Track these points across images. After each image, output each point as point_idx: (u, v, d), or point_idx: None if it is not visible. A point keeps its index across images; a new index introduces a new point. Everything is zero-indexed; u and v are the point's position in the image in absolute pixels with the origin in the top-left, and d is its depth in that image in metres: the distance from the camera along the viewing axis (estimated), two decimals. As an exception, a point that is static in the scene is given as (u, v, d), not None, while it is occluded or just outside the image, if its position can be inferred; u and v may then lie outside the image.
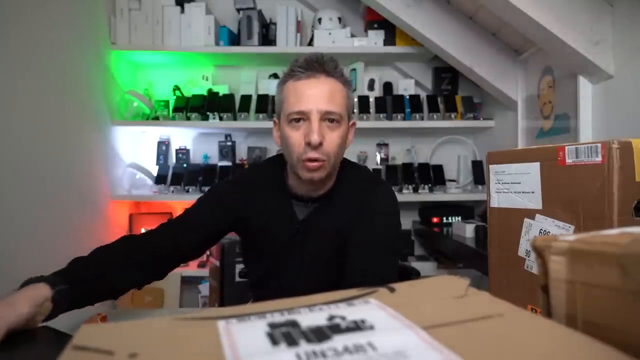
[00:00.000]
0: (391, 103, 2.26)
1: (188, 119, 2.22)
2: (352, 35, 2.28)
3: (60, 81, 1.77)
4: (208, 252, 2.23)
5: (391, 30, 2.23)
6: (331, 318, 0.28)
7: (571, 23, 1.37)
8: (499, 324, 0.27)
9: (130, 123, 2.24)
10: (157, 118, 2.29)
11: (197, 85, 2.42)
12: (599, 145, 0.57)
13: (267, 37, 2.30)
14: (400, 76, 2.49)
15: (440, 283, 0.35)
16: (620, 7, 1.34)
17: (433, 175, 2.28)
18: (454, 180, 2.37)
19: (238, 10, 2.28)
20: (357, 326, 0.27)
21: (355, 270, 0.91)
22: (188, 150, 2.42)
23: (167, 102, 2.32)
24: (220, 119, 2.19)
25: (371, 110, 2.24)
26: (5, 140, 1.46)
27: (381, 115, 2.22)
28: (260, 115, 2.22)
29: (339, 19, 2.27)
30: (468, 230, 1.80)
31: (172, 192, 2.20)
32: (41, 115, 1.64)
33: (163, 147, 2.44)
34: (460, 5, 1.91)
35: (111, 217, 2.14)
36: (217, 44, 2.25)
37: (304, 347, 0.24)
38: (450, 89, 2.39)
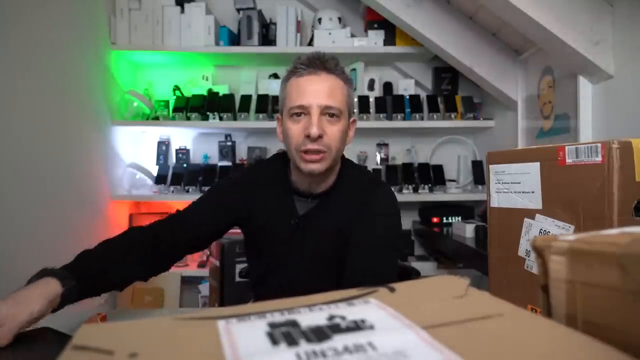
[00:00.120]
0: (391, 103, 2.26)
1: (188, 119, 2.22)
2: (352, 35, 2.28)
3: (60, 81, 1.77)
4: (208, 252, 2.23)
5: (391, 30, 2.23)
6: (331, 318, 0.28)
7: (571, 23, 1.37)
8: (499, 323, 0.27)
9: (130, 123, 2.24)
10: (157, 118, 2.29)
11: (197, 85, 2.42)
12: (599, 145, 0.57)
13: (267, 37, 2.30)
14: (400, 76, 2.49)
15: (440, 283, 0.35)
16: (620, 7, 1.34)
17: (433, 175, 2.28)
18: (454, 180, 2.37)
19: (238, 10, 2.28)
20: (357, 326, 0.27)
21: (355, 270, 0.93)
22: (188, 150, 2.42)
23: (167, 102, 2.32)
24: (220, 119, 2.19)
25: (371, 110, 2.24)
26: (5, 140, 1.46)
27: (381, 115, 2.22)
28: (260, 115, 2.22)
29: (339, 19, 2.27)
30: (468, 230, 1.80)
31: (172, 192, 2.20)
32: (41, 115, 1.64)
33: (163, 147, 2.44)
34: (460, 5, 1.91)
35: (111, 217, 2.14)
36: (217, 44, 2.24)
37: (304, 346, 0.24)
38: (450, 89, 2.39)
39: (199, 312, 0.31)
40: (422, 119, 2.26)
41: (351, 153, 2.32)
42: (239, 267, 1.76)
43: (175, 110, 2.24)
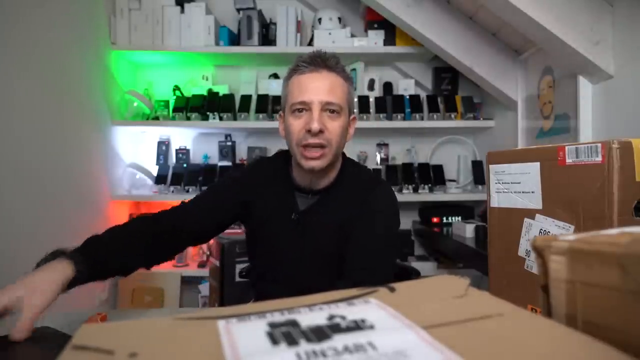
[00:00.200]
0: (391, 103, 2.26)
1: (188, 119, 2.22)
2: (352, 35, 2.29)
3: (60, 81, 1.77)
4: (208, 252, 2.23)
5: (391, 30, 2.23)
6: (331, 317, 0.28)
7: (571, 23, 1.37)
8: (499, 323, 0.27)
9: (130, 123, 2.24)
10: (157, 118, 2.29)
11: (197, 85, 2.42)
12: (599, 145, 0.57)
13: (267, 37, 2.30)
14: (400, 76, 2.49)
15: (440, 283, 0.35)
16: (620, 7, 1.34)
17: (433, 175, 2.28)
18: (454, 180, 2.37)
19: (238, 10, 2.28)
20: (357, 326, 0.27)
21: (354, 267, 0.94)
22: (188, 150, 2.42)
23: (167, 102, 2.32)
24: (220, 119, 2.19)
25: (371, 110, 2.24)
26: (5, 140, 1.46)
27: (381, 115, 2.22)
28: (260, 115, 2.22)
29: (339, 19, 2.27)
30: (468, 230, 1.80)
31: (172, 192, 2.20)
32: (41, 115, 1.64)
33: (163, 147, 2.44)
34: (460, 5, 1.91)
35: (111, 217, 2.14)
36: (217, 44, 2.25)
37: (304, 346, 0.24)
38: (450, 89, 2.39)
39: (199, 312, 0.31)
40: (422, 119, 2.26)
41: (351, 153, 2.32)
42: (239, 267, 1.76)
43: (175, 110, 2.24)
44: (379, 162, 2.44)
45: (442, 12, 1.93)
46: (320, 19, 2.26)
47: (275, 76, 2.43)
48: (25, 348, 0.66)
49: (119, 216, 2.23)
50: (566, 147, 0.61)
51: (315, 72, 0.94)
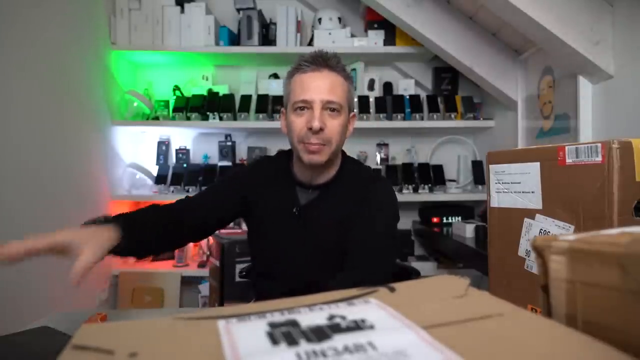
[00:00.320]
0: (391, 103, 2.26)
1: (188, 119, 2.22)
2: (352, 35, 2.29)
3: (60, 81, 1.77)
4: (208, 252, 2.23)
5: (391, 30, 2.23)
6: (331, 317, 0.28)
7: (571, 23, 1.37)
8: (499, 323, 0.27)
9: (130, 123, 2.24)
10: (157, 118, 2.29)
11: (197, 85, 2.42)
12: (599, 145, 0.57)
13: (267, 37, 2.30)
14: (400, 76, 2.49)
15: (440, 283, 0.35)
16: (620, 7, 1.34)
17: (433, 175, 2.28)
18: (454, 180, 2.37)
19: (238, 10, 2.28)
20: (357, 326, 0.27)
21: (354, 262, 0.96)
22: (188, 150, 2.42)
23: (167, 102, 2.32)
24: (220, 119, 2.19)
25: (371, 110, 2.24)
26: (5, 140, 1.46)
27: (381, 115, 2.22)
28: (260, 115, 2.22)
29: (339, 19, 2.27)
30: (468, 230, 1.80)
31: (172, 192, 2.20)
32: (41, 115, 1.64)
33: (163, 147, 2.44)
34: (460, 5, 1.91)
35: (111, 217, 2.14)
36: (217, 44, 2.25)
37: (304, 346, 0.24)
38: (450, 89, 2.39)
39: (199, 312, 0.31)
40: (422, 119, 2.26)
41: (351, 153, 2.30)
42: (239, 267, 1.76)
43: (175, 110, 2.24)
44: (379, 162, 2.44)
45: (442, 12, 1.93)
46: (320, 19, 2.26)
47: (275, 76, 2.43)
48: (25, 348, 0.66)
49: (119, 216, 2.23)
50: (566, 147, 0.61)
51: (316, 72, 0.97)
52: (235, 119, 2.21)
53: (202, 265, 2.22)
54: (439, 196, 2.20)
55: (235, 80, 2.44)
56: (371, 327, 0.27)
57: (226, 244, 1.79)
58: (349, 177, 1.06)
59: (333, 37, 2.23)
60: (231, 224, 1.52)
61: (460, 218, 2.22)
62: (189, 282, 2.30)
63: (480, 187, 2.24)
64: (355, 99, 2.19)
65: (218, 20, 2.31)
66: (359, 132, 2.29)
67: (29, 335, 0.71)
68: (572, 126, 1.57)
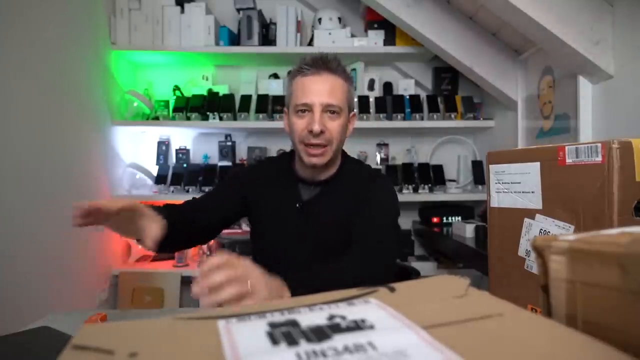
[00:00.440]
0: (391, 103, 2.26)
1: (188, 119, 2.22)
2: (352, 35, 2.28)
3: (60, 81, 1.77)
4: (208, 252, 2.23)
5: (391, 30, 2.23)
6: (331, 317, 0.28)
7: (571, 23, 1.37)
8: (499, 323, 0.27)
9: (130, 123, 2.24)
10: (157, 118, 2.29)
11: (197, 85, 2.42)
12: (599, 145, 0.57)
13: (267, 37, 2.30)
14: (400, 76, 2.49)
15: (440, 283, 0.35)
16: (620, 7, 1.34)
17: (433, 175, 2.28)
18: (454, 180, 2.37)
19: (238, 10, 2.28)
20: (357, 326, 0.27)
21: (358, 239, 0.99)
22: (188, 150, 2.42)
23: (167, 102, 2.32)
24: (220, 119, 2.19)
25: (371, 110, 2.24)
26: (5, 140, 1.46)
27: (381, 115, 2.22)
28: (260, 115, 2.21)
29: (339, 19, 2.27)
30: (468, 230, 1.80)
31: (172, 192, 2.20)
32: (41, 115, 1.64)
33: (163, 147, 2.44)
34: (460, 5, 1.91)
35: (111, 217, 2.14)
36: (217, 44, 2.24)
37: (304, 346, 0.24)
38: (450, 89, 2.38)
39: (199, 312, 0.31)
40: (422, 119, 2.26)
41: (351, 153, 2.29)
42: (239, 267, 1.75)
43: (175, 110, 2.24)
44: (379, 162, 2.44)
45: (442, 12, 1.93)
46: (320, 19, 2.26)
47: (275, 76, 2.43)
48: (25, 348, 0.66)
49: (119, 216, 2.23)
50: (566, 147, 0.61)
51: (317, 75, 1.00)
52: (235, 119, 2.21)
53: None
54: (439, 196, 2.20)
55: (235, 80, 2.44)
56: (371, 327, 0.27)
57: (226, 244, 1.79)
58: (349, 176, 1.09)
59: (333, 37, 2.23)
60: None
61: (460, 218, 2.22)
62: (189, 282, 2.30)
63: (480, 187, 2.24)
64: (355, 99, 2.18)
65: (218, 20, 2.31)
66: (359, 132, 2.29)
67: (28, 335, 0.71)
68: (572, 126, 1.57)
